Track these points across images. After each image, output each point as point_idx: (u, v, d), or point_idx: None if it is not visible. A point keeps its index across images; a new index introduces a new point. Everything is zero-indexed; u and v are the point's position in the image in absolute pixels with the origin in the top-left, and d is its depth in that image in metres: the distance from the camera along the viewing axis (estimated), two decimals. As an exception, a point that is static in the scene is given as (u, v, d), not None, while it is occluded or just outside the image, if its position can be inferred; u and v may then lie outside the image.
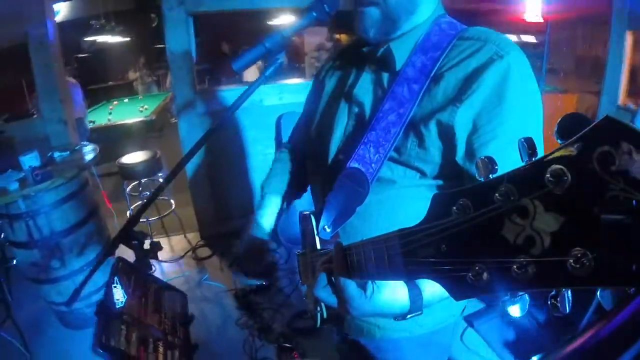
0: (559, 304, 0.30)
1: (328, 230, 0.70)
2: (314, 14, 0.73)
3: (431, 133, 0.69)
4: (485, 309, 2.27)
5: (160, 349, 0.81)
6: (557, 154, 0.27)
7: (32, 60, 2.86)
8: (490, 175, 0.33)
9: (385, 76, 0.77)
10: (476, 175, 0.35)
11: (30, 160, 2.27)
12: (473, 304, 2.30)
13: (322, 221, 0.70)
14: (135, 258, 0.94)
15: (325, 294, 0.60)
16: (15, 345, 2.20)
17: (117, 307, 0.84)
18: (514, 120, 0.66)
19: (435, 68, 0.70)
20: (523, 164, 0.30)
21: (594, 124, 0.25)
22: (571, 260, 0.26)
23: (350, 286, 0.57)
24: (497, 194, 0.31)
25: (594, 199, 0.25)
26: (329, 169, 0.82)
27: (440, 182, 0.74)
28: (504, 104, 0.65)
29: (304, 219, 0.75)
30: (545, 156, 0.28)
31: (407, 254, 0.44)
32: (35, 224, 2.13)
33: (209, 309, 2.55)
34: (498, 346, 2.06)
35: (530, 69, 0.68)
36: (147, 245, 0.95)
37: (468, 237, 0.35)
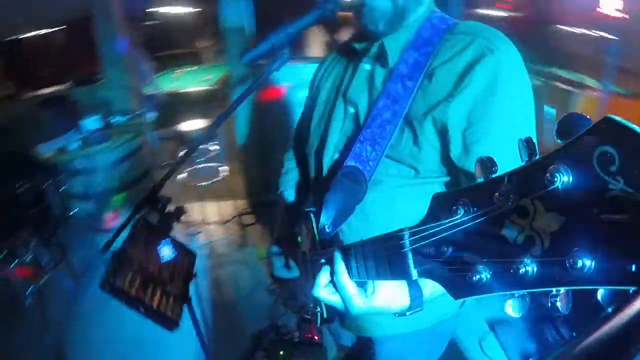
0: (558, 304, 0.29)
1: (328, 229, 0.70)
2: (320, 11, 0.72)
3: (425, 130, 0.68)
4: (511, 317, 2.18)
5: (157, 294, 0.89)
6: (557, 154, 0.27)
7: (97, 29, 3.05)
8: (490, 176, 0.33)
9: (380, 74, 0.76)
10: (473, 173, 0.35)
11: (91, 123, 2.49)
12: (500, 308, 2.22)
13: (322, 220, 0.70)
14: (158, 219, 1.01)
15: (326, 294, 0.61)
16: (66, 283, 2.45)
17: (163, 261, 0.96)
18: (507, 114, 0.64)
19: (428, 64, 0.69)
20: (522, 163, 0.30)
21: (593, 124, 0.25)
22: (571, 260, 0.26)
23: (350, 285, 0.57)
24: (497, 194, 0.31)
25: (594, 199, 0.24)
26: (328, 169, 0.82)
27: (436, 180, 0.73)
28: (496, 99, 0.63)
29: (305, 218, 0.76)
30: (545, 156, 0.28)
31: (406, 254, 0.44)
32: (93, 179, 2.35)
33: (244, 272, 2.66)
34: (515, 356, 1.98)
35: (522, 62, 0.66)
36: (171, 209, 1.02)
37: (468, 237, 0.35)
